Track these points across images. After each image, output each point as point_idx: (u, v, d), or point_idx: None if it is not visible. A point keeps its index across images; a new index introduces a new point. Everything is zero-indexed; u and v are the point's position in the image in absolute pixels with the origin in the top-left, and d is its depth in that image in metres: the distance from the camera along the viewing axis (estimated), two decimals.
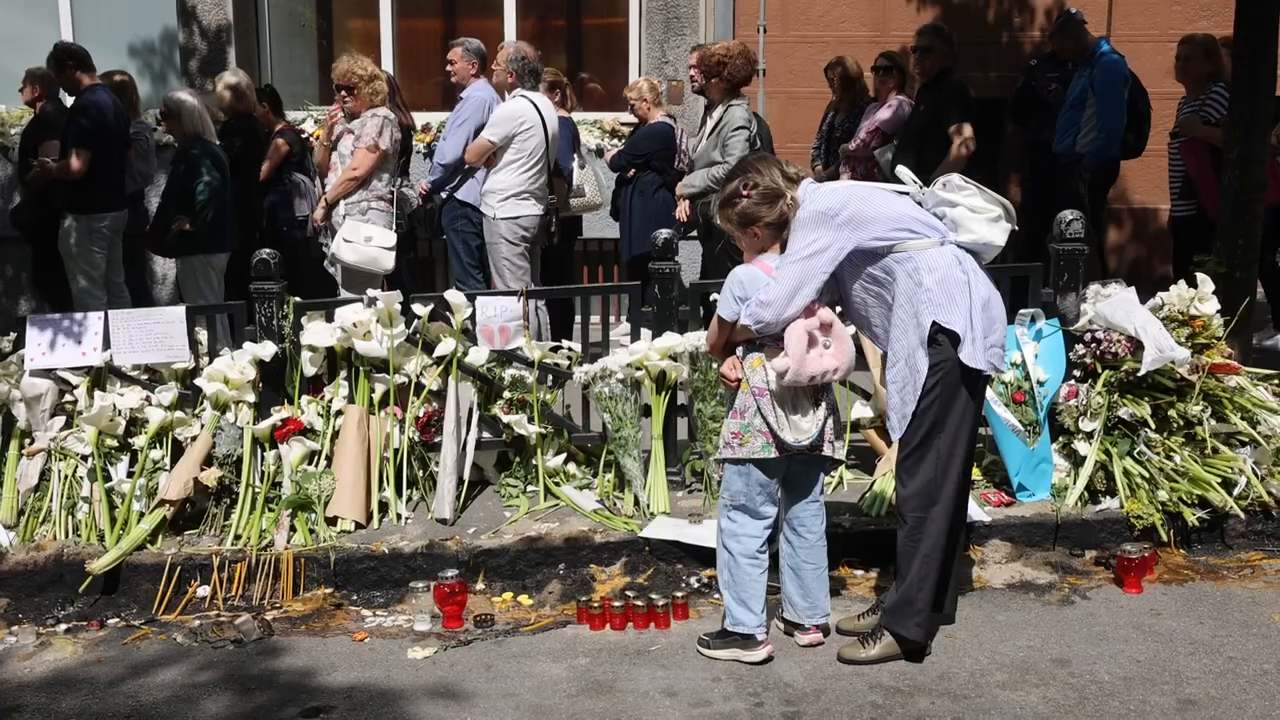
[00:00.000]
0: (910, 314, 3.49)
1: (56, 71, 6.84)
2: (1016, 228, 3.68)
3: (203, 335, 4.95)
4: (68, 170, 6.59)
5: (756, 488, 3.61)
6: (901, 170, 3.80)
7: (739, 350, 3.65)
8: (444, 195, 6.67)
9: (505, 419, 4.77)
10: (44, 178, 6.80)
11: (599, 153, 8.13)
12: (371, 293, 4.78)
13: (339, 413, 4.68)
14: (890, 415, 3.59)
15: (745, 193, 3.57)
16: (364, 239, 6.18)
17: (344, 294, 6.12)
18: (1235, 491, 4.43)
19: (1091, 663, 3.66)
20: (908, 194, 3.69)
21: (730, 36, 8.00)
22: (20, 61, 7.61)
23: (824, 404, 3.60)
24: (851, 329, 3.82)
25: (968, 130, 6.49)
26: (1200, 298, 4.70)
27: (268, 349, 4.69)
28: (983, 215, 3.58)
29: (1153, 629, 3.87)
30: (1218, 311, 4.72)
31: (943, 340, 3.48)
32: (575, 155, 7.03)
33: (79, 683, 3.71)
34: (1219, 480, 4.44)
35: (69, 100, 7.31)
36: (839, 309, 3.71)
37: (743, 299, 3.54)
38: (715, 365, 4.06)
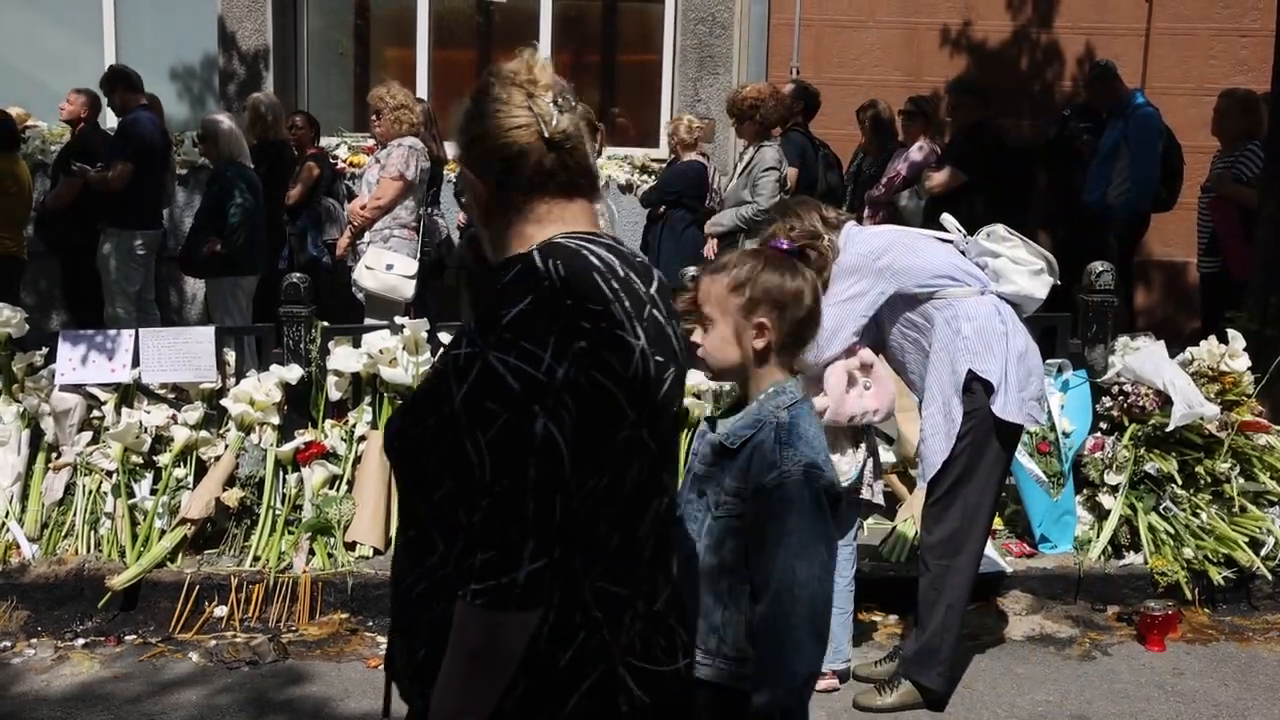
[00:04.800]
0: (946, 361, 3.48)
1: (108, 91, 7.00)
2: (1059, 282, 3.67)
3: (230, 356, 4.98)
4: (106, 182, 6.69)
5: None
6: (946, 218, 3.81)
7: None
8: None
9: None
10: (72, 193, 6.90)
11: (629, 188, 8.17)
12: (399, 320, 4.80)
13: (362, 438, 4.70)
14: (920, 462, 3.58)
15: (786, 235, 3.58)
16: (385, 266, 6.20)
17: (367, 320, 6.15)
18: (1263, 552, 4.38)
19: None
20: (951, 242, 3.70)
21: (764, 77, 8.05)
22: (65, 81, 7.73)
23: (864, 446, 3.59)
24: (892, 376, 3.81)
25: (946, 176, 6.69)
26: (1231, 354, 4.67)
27: (294, 372, 4.71)
28: (1025, 268, 3.58)
29: (1175, 689, 3.82)
30: (1248, 369, 4.68)
31: (977, 389, 3.46)
32: None
33: (95, 699, 3.72)
34: (1246, 540, 4.39)
35: (109, 123, 7.45)
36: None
37: None
38: None
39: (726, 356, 2.15)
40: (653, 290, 1.70)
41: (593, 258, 1.63)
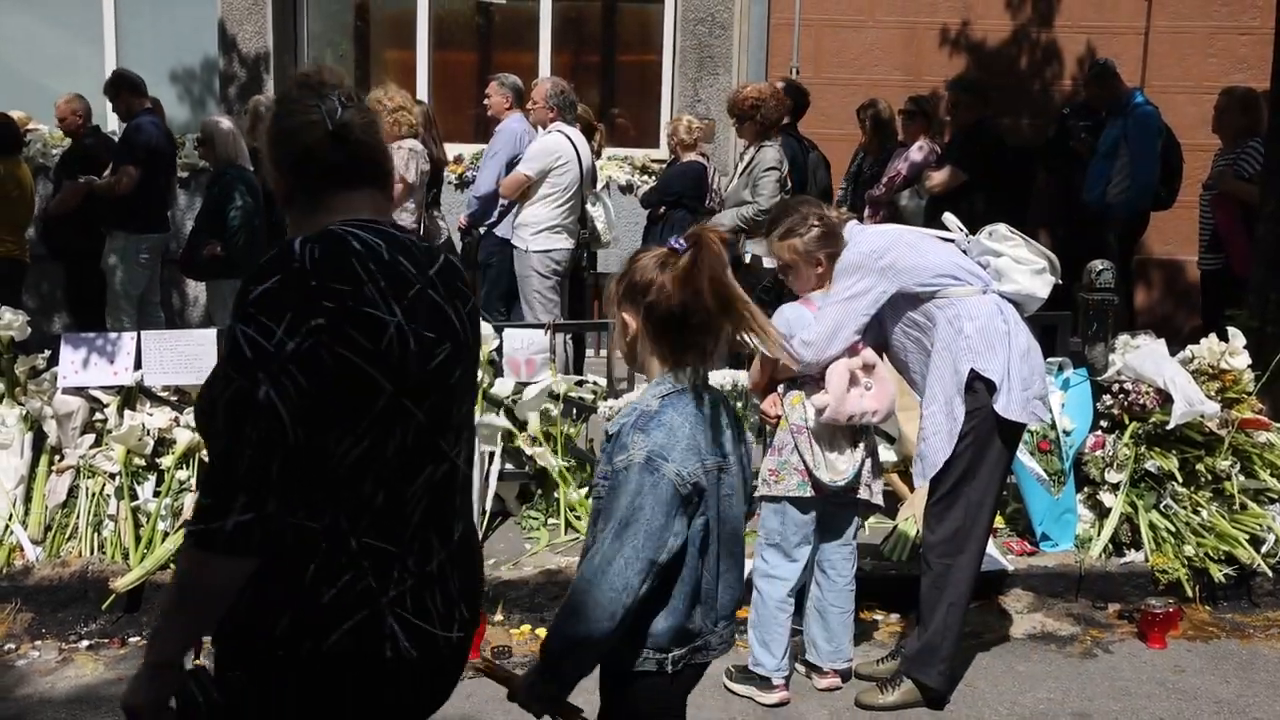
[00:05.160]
0: (949, 360, 3.49)
1: (112, 96, 7.04)
2: (1060, 282, 3.68)
3: None
4: (113, 188, 6.72)
5: (792, 527, 3.60)
6: (948, 217, 3.82)
7: (780, 387, 3.66)
8: (482, 230, 6.74)
9: (529, 451, 4.78)
10: (75, 199, 6.92)
11: (629, 189, 8.18)
12: None
13: None
14: (918, 460, 3.58)
15: (815, 224, 3.59)
16: None
17: None
18: (1263, 549, 4.39)
19: (1113, 718, 3.62)
20: (953, 241, 3.70)
21: (763, 77, 8.05)
22: (66, 84, 7.75)
23: (862, 446, 3.60)
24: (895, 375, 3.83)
25: (947, 175, 6.69)
26: (1231, 352, 4.68)
27: None
28: (1027, 267, 3.59)
29: (1176, 686, 3.83)
30: (1249, 366, 4.69)
31: (979, 388, 3.47)
32: (588, 191, 7.07)
33: (100, 701, 3.73)
34: (1246, 537, 4.41)
35: (109, 128, 7.45)
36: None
37: (788, 337, 3.56)
38: (756, 401, 4.08)
39: (620, 349, 2.22)
40: (431, 273, 1.86)
41: (355, 242, 1.78)
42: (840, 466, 3.54)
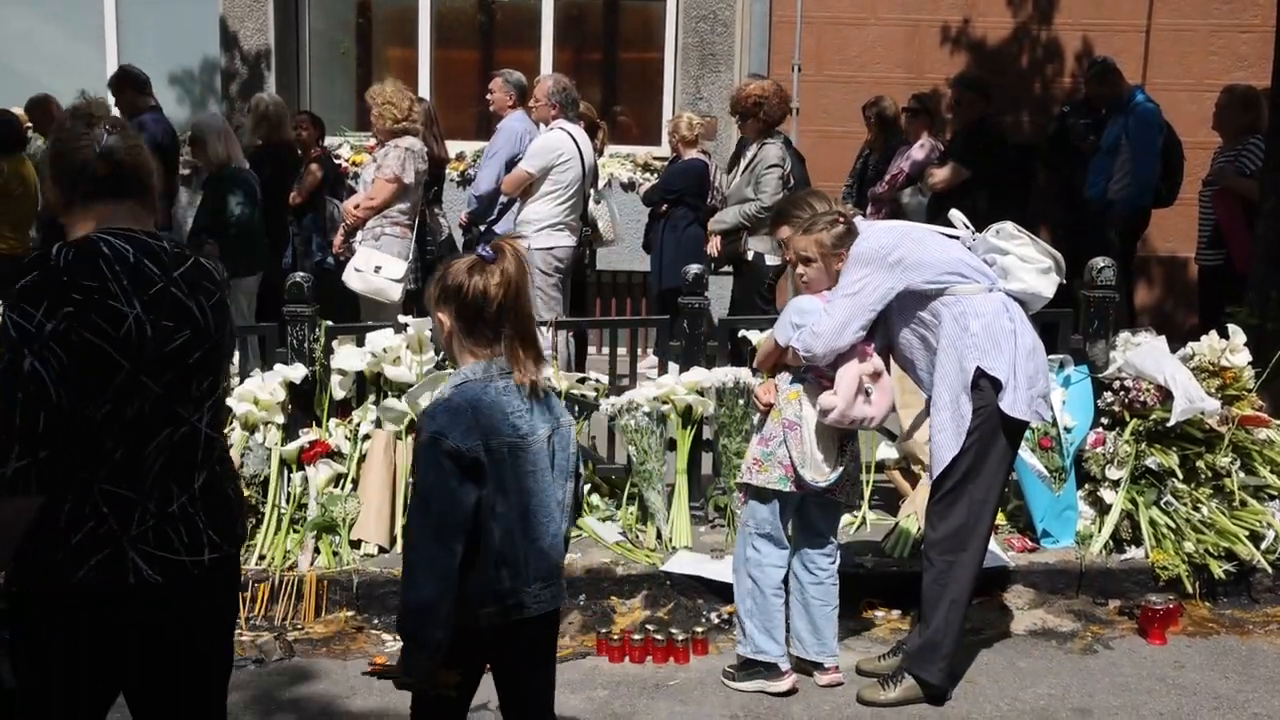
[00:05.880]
0: (954, 359, 3.50)
1: (116, 93, 7.08)
2: (1065, 281, 3.69)
3: (234, 356, 4.99)
4: None
5: (780, 516, 3.63)
6: (954, 214, 3.82)
7: (780, 377, 3.67)
8: (482, 228, 6.74)
9: None
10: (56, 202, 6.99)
11: (631, 186, 8.18)
12: (402, 319, 4.82)
13: (366, 437, 4.72)
14: (930, 459, 3.60)
15: (840, 220, 3.59)
16: (373, 269, 6.17)
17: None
18: (1263, 545, 4.40)
19: (1113, 714, 3.63)
20: (959, 238, 3.71)
21: (765, 75, 8.06)
22: (66, 83, 7.73)
23: (848, 452, 3.62)
24: (897, 373, 3.84)
25: (949, 172, 6.70)
26: (1232, 349, 4.68)
27: (298, 371, 4.73)
28: (1033, 265, 3.59)
29: (1176, 682, 3.84)
30: (1249, 363, 4.70)
31: (985, 386, 3.48)
32: (592, 190, 7.08)
33: None
34: (1246, 533, 4.41)
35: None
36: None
37: (799, 326, 3.57)
38: (759, 378, 4.09)
39: (441, 344, 2.47)
40: (176, 274, 2.23)
41: (105, 248, 2.17)
42: (825, 469, 3.56)
